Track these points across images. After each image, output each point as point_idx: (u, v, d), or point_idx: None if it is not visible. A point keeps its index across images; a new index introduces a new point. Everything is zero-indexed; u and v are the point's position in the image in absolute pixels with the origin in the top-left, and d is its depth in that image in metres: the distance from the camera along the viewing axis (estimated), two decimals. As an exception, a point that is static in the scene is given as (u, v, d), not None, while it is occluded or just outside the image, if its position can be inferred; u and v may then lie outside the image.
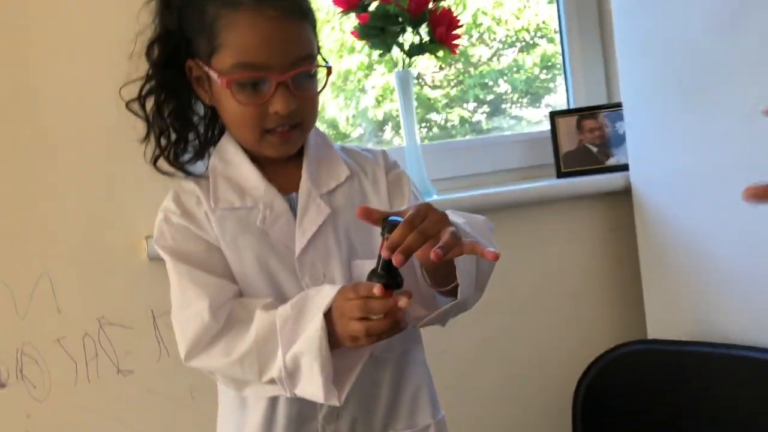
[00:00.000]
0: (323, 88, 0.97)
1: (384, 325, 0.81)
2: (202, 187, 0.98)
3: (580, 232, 1.77)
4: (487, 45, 2.18)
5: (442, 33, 1.60)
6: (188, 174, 1.02)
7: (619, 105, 1.75)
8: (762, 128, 1.26)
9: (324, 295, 0.86)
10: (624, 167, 1.74)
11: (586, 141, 1.82)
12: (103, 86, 1.41)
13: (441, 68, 2.13)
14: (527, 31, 2.13)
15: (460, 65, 2.14)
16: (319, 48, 0.96)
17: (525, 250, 1.73)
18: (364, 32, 1.63)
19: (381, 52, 1.67)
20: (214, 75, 0.92)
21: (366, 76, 2.08)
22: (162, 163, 1.03)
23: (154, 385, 1.50)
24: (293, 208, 0.97)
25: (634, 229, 1.72)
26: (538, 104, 2.20)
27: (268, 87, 0.90)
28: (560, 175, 1.81)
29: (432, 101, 2.14)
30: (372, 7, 1.60)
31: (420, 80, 2.14)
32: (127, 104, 1.00)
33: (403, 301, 0.80)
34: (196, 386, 1.51)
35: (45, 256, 1.45)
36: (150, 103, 1.00)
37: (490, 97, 2.15)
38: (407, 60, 1.66)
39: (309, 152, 1.00)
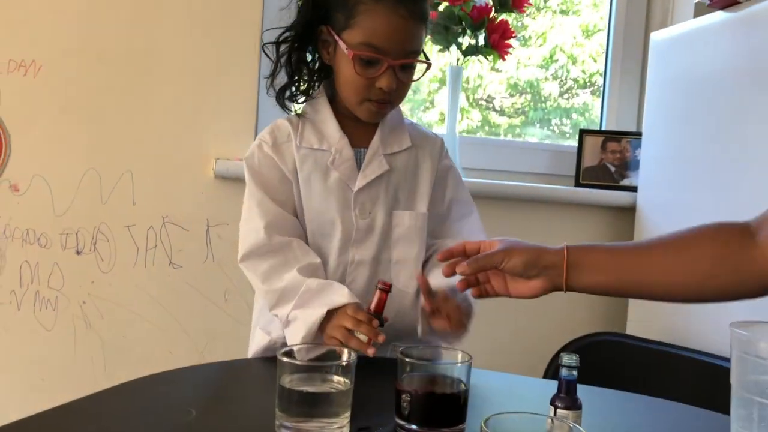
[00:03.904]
0: (419, 78, 1.18)
1: (357, 344, 1.02)
2: (293, 126, 1.19)
3: (586, 235, 2.00)
4: (561, 81, 2.27)
5: (495, 40, 1.85)
6: (288, 108, 1.23)
7: (640, 134, 1.97)
8: (758, 177, 1.46)
9: (340, 295, 1.08)
10: (634, 188, 1.96)
11: (607, 160, 2.05)
12: (206, 28, 1.75)
13: (510, 95, 2.26)
14: (601, 74, 2.22)
15: (528, 96, 2.26)
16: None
17: (533, 240, 1.96)
18: (430, 28, 1.89)
19: (441, 48, 1.93)
20: (342, 45, 1.11)
21: (437, 90, 2.21)
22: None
23: (196, 282, 1.80)
24: (358, 159, 1.19)
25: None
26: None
27: (380, 67, 1.11)
28: (578, 184, 2.04)
29: (495, 127, 2.26)
30: (441, 7, 1.86)
31: (489, 103, 2.27)
32: (264, 46, 1.20)
33: (381, 338, 1.03)
34: (231, 290, 1.80)
35: (132, 157, 1.76)
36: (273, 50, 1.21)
37: (550, 132, 2.27)
38: (461, 58, 1.92)
39: (386, 120, 1.22)
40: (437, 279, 1.12)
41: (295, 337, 1.09)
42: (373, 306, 1.07)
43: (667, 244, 0.94)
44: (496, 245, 0.99)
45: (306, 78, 1.22)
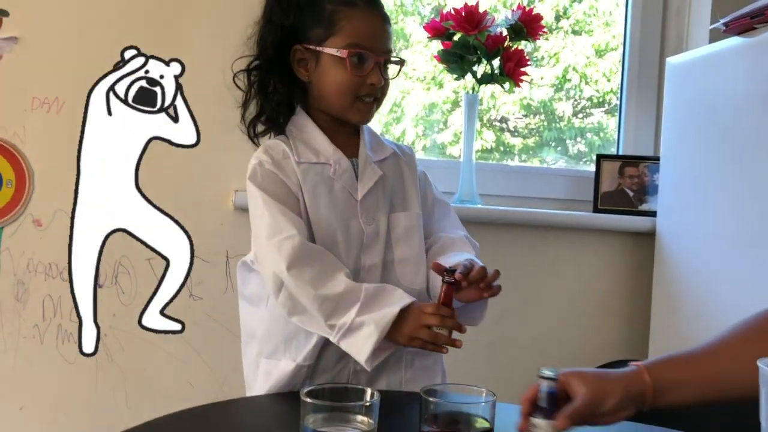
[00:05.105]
0: (395, 77, 1.28)
1: (446, 340, 1.09)
2: (286, 144, 1.23)
3: (605, 261, 1.99)
4: (575, 101, 2.27)
5: (511, 68, 1.86)
6: (265, 134, 1.27)
7: (658, 158, 1.96)
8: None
9: (401, 296, 1.13)
10: (653, 213, 1.95)
11: (625, 185, 2.04)
12: (223, 61, 1.77)
13: (525, 116, 2.27)
14: (614, 93, 2.23)
15: (542, 116, 2.27)
16: None
17: (552, 267, 1.97)
18: (445, 57, 1.91)
19: (456, 76, 1.94)
20: (332, 51, 1.19)
21: (451, 111, 2.23)
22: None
23: (217, 314, 1.80)
24: (353, 168, 1.24)
25: (652, 268, 1.92)
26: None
27: (369, 64, 1.20)
28: (596, 210, 2.03)
29: (510, 148, 2.27)
30: (456, 37, 1.88)
31: (503, 124, 2.28)
32: (235, 76, 1.26)
33: (464, 328, 1.12)
34: (250, 322, 1.80)
35: (153, 192, 1.78)
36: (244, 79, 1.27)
37: (565, 152, 2.26)
38: (477, 86, 1.93)
39: (364, 132, 1.29)
40: (447, 262, 1.17)
41: (366, 343, 1.09)
42: (442, 299, 1.11)
43: (735, 345, 0.97)
44: (578, 389, 0.93)
45: (276, 101, 1.26)
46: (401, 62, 1.27)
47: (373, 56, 1.20)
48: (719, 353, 0.96)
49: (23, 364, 1.75)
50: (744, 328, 0.98)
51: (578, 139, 2.29)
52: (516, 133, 2.28)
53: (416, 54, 2.23)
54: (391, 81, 1.26)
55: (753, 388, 0.91)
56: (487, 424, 0.84)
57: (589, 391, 0.92)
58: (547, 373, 0.90)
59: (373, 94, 1.23)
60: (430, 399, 0.84)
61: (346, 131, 1.27)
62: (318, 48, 1.21)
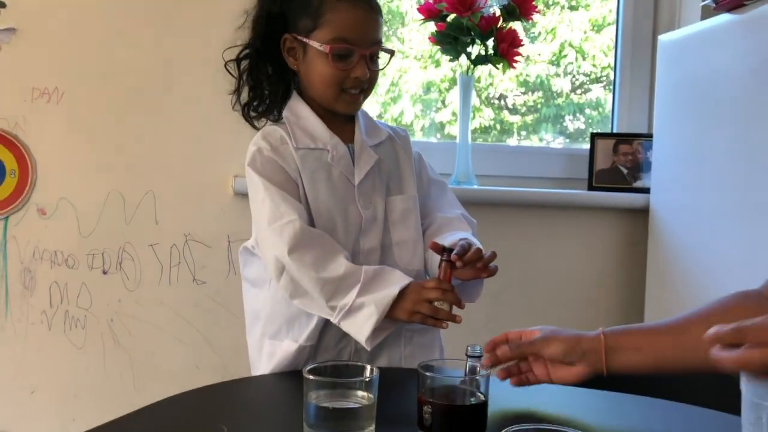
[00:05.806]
0: (385, 67, 1.29)
1: (446, 315, 1.12)
2: (284, 130, 1.25)
3: (600, 238, 2.02)
4: (573, 77, 2.28)
5: (504, 48, 1.88)
6: (259, 119, 1.30)
7: (652, 136, 1.98)
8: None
9: (400, 276, 1.16)
10: (647, 190, 1.98)
11: (619, 162, 2.07)
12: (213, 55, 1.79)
13: (523, 93, 2.28)
14: (612, 69, 2.23)
15: (540, 93, 2.27)
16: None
17: (547, 245, 2.00)
18: (439, 38, 1.93)
19: (451, 57, 1.96)
20: (315, 44, 1.20)
21: (448, 89, 2.24)
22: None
23: (220, 297, 1.84)
24: (349, 153, 1.26)
25: (646, 244, 1.95)
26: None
27: (354, 58, 1.21)
28: (591, 188, 2.06)
29: (508, 125, 2.28)
30: (449, 19, 1.89)
31: (501, 101, 2.30)
32: (226, 63, 1.28)
33: (463, 304, 1.14)
34: (253, 304, 1.84)
35: (154, 179, 1.81)
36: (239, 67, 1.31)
37: (564, 129, 2.28)
38: (472, 67, 1.95)
39: (359, 117, 1.31)
40: (444, 241, 1.20)
41: (366, 323, 1.12)
42: (441, 276, 1.14)
43: (700, 320, 0.98)
44: (537, 333, 1.02)
45: (268, 89, 1.29)
46: (391, 52, 1.27)
47: (359, 50, 1.20)
48: (679, 328, 0.98)
49: (33, 349, 1.79)
50: (711, 307, 0.99)
51: (577, 115, 2.30)
52: (514, 111, 2.29)
53: (413, 32, 2.24)
54: (380, 71, 1.27)
55: (706, 364, 0.93)
56: (481, 397, 0.87)
57: (540, 332, 1.01)
58: (471, 351, 0.95)
59: (359, 87, 1.24)
60: (427, 373, 0.88)
61: (341, 116, 1.29)
62: (304, 39, 1.22)
